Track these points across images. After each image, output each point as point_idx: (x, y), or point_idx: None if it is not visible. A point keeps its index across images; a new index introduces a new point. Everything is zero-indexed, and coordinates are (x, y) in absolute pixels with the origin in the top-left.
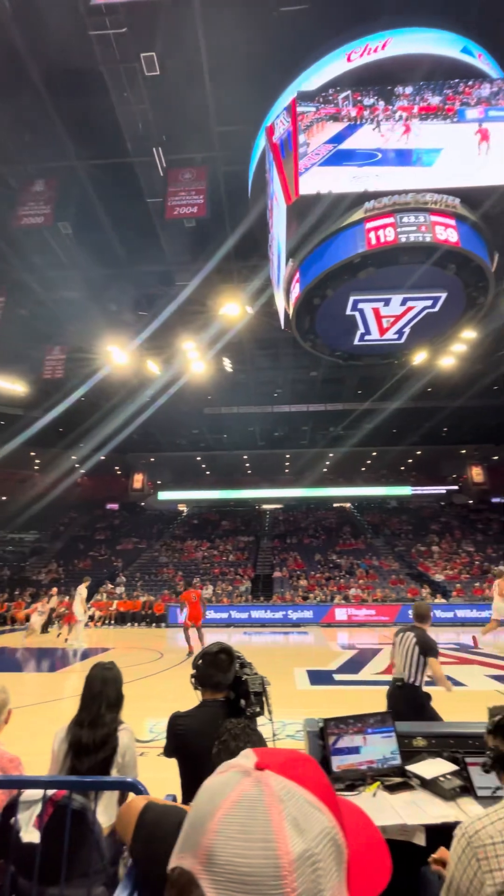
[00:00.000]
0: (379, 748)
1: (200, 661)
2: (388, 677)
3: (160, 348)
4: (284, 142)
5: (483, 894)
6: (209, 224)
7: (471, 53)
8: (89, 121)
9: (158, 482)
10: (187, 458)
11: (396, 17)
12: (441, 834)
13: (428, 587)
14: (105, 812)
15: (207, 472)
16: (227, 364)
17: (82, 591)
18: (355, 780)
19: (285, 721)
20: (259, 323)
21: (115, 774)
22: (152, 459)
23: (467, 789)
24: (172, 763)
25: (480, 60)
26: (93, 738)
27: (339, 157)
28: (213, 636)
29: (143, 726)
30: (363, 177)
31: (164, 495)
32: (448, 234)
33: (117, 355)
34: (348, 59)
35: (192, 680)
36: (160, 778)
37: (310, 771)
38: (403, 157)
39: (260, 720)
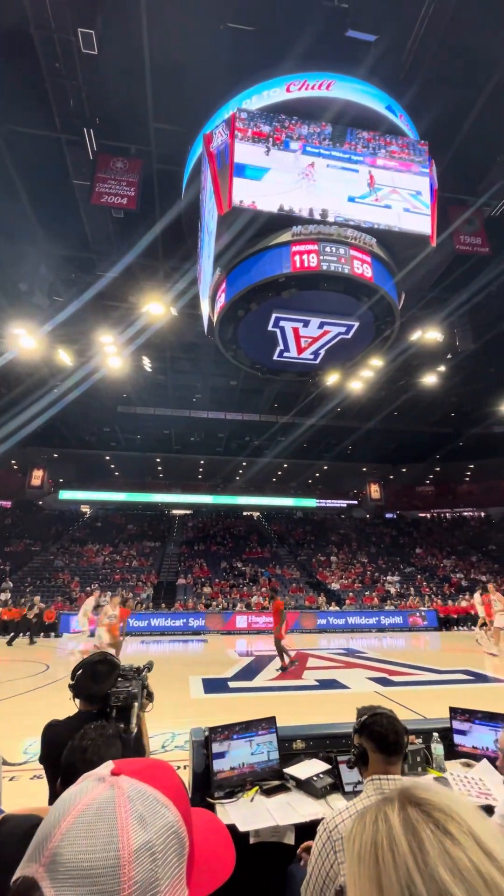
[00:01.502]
0: (259, 753)
1: (80, 672)
2: (281, 683)
3: (75, 338)
4: (221, 153)
5: (337, 884)
6: (139, 218)
7: (393, 112)
8: (14, 83)
9: (61, 480)
10: (95, 456)
11: (334, 63)
12: (310, 831)
13: (324, 595)
14: None
15: (116, 473)
16: (147, 363)
17: (91, 602)
18: (235, 787)
19: (175, 731)
20: (182, 325)
21: None
22: (55, 455)
23: (337, 786)
24: (45, 790)
25: (401, 120)
26: None
27: None
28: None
29: (16, 747)
30: None
31: (65, 494)
32: (364, 269)
33: (24, 340)
34: (287, 90)
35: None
36: (32, 806)
37: (164, 774)
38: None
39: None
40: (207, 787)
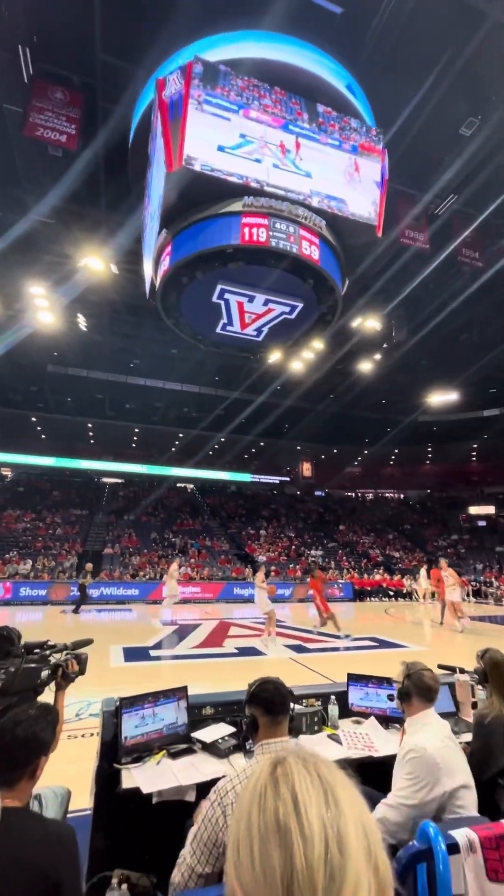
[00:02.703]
0: (169, 720)
1: None
2: (201, 651)
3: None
4: (175, 103)
5: (222, 841)
6: (79, 160)
7: (353, 92)
8: None
9: None
10: (20, 416)
11: (300, 31)
12: (211, 787)
13: (251, 567)
14: None
15: (43, 436)
16: (82, 321)
17: (175, 568)
18: (143, 752)
19: (91, 700)
20: (123, 286)
21: None
22: None
23: (240, 746)
24: None
25: (359, 102)
26: None
27: None
28: (28, 614)
29: None
30: None
31: None
32: (311, 250)
33: None
34: (247, 48)
35: None
36: None
37: None
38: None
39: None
40: (115, 753)
